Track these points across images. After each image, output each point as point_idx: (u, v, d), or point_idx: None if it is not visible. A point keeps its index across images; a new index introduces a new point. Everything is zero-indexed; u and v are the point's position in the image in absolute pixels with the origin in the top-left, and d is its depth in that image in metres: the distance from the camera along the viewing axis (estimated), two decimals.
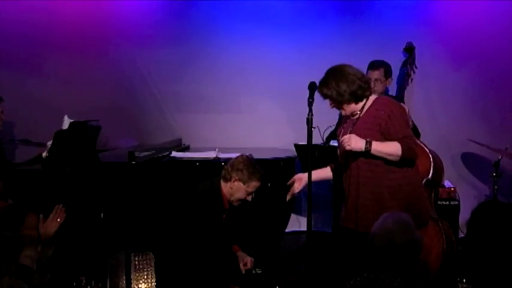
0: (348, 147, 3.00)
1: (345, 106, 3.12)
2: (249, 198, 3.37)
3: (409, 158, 3.06)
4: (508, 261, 1.75)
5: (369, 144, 2.99)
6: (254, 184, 3.34)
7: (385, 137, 3.05)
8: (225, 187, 3.35)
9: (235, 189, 3.33)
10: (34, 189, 3.81)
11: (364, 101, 3.12)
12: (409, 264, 2.36)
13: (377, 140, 3.02)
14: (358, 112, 3.13)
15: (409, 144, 3.03)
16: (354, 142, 2.99)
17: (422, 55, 4.60)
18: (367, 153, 3.01)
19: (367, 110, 3.11)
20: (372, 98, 3.15)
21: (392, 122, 3.05)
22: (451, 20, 5.09)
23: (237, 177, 3.31)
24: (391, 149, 3.02)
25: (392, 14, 5.08)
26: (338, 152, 3.23)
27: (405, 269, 2.35)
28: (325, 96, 3.11)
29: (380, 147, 3.01)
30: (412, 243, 2.35)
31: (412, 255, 2.36)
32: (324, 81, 3.10)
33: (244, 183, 3.31)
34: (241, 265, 3.41)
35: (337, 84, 3.06)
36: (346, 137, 3.03)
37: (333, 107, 3.15)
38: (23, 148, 4.62)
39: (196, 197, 3.31)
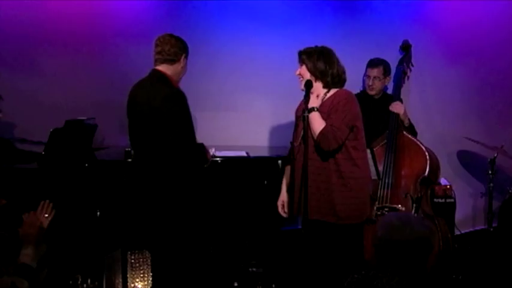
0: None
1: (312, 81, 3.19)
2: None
3: (322, 143, 3.08)
4: None
5: (311, 110, 3.09)
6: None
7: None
8: (170, 69, 3.30)
9: (184, 66, 3.31)
10: (30, 188, 3.81)
11: (328, 91, 3.22)
12: (414, 263, 2.23)
13: None
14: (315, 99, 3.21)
15: (332, 132, 3.05)
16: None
17: (419, 53, 4.60)
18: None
19: (326, 100, 3.19)
20: (333, 91, 3.22)
21: (340, 109, 3.10)
22: (447, 18, 5.11)
23: (184, 55, 3.30)
24: (316, 125, 3.08)
25: (389, 12, 5.09)
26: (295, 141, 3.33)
27: (409, 267, 2.23)
28: (301, 61, 3.24)
29: (313, 119, 3.09)
30: (415, 241, 2.20)
31: (417, 254, 2.23)
32: (308, 50, 3.23)
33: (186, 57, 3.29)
34: None
35: (318, 58, 3.20)
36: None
37: (299, 75, 3.26)
38: (19, 147, 4.60)
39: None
